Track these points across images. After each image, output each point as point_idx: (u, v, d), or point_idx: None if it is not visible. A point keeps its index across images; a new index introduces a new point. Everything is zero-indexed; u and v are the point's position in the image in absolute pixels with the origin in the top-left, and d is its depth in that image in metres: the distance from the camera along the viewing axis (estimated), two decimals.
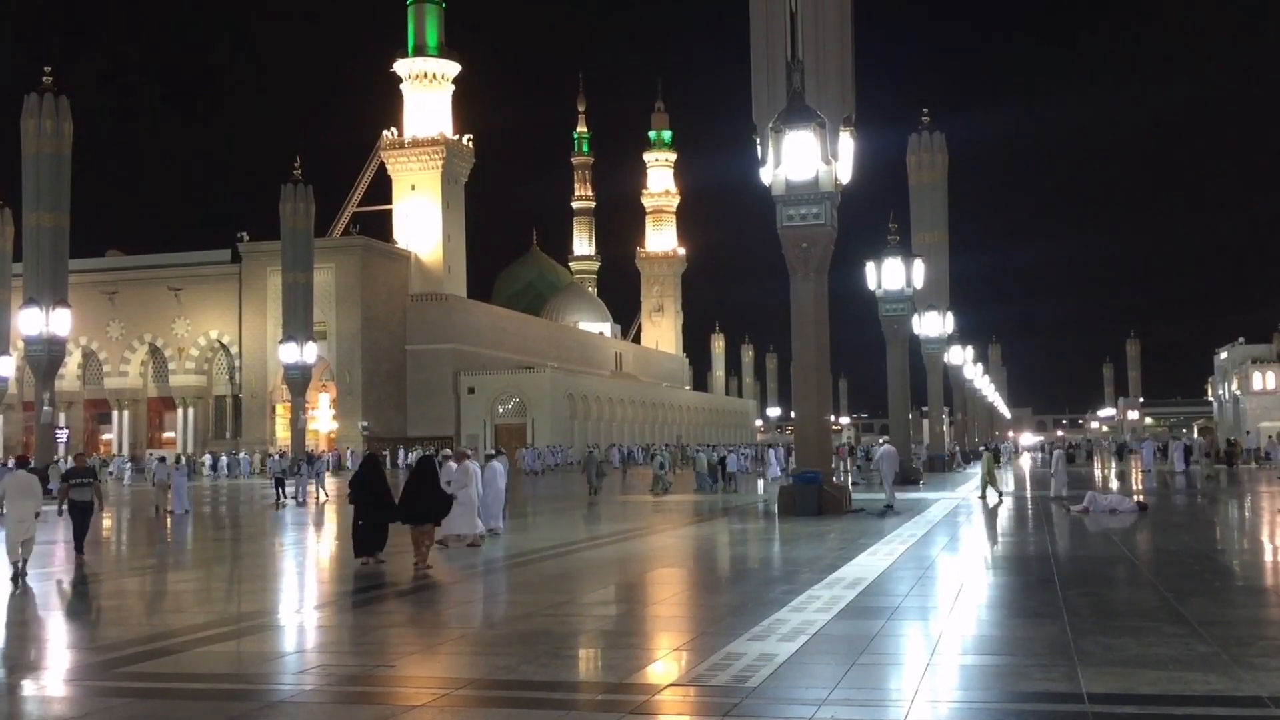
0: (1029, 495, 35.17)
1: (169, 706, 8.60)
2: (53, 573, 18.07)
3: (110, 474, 62.17)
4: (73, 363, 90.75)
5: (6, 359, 63.57)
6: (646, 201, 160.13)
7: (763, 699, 8.17)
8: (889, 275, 44.64)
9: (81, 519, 19.33)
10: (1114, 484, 40.51)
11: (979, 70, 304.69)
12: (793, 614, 11.75)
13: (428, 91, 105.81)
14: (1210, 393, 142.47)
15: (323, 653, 10.82)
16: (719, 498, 35.80)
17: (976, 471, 52.71)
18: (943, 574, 15.74)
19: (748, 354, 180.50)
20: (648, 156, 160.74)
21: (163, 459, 38.99)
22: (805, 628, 10.92)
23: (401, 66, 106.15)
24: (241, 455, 75.21)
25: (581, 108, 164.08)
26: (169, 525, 28.58)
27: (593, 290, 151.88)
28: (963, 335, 67.38)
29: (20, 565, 16.52)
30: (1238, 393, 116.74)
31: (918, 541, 19.78)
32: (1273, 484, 39.65)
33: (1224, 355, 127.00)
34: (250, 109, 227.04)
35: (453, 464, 20.31)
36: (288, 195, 71.30)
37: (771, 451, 54.60)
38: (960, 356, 66.68)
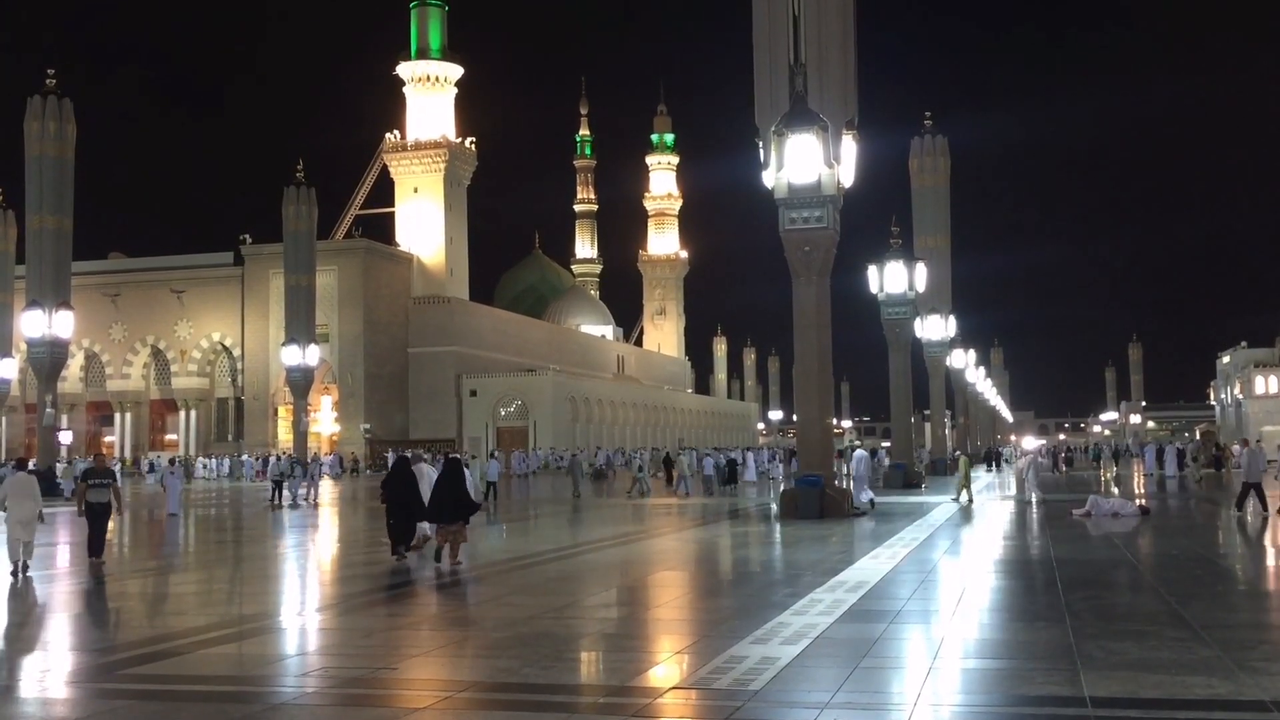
0: (1011, 498, 35.18)
1: (171, 709, 8.60)
2: (55, 574, 18.09)
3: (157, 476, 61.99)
4: (75, 365, 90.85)
5: (9, 361, 63.62)
6: (649, 204, 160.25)
7: (765, 702, 8.16)
8: (891, 278, 44.61)
9: (98, 522, 18.59)
10: (1114, 488, 40.46)
11: (982, 74, 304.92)
12: (795, 617, 11.74)
13: (430, 94, 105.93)
14: (1212, 396, 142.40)
15: (325, 655, 10.81)
16: (722, 500, 35.81)
17: (978, 475, 52.83)
18: (945, 577, 15.73)
19: (750, 357, 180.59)
20: (650, 159, 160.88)
21: (180, 460, 39.39)
22: (808, 631, 10.91)
23: (404, 69, 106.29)
24: (245, 458, 75.26)
25: (584, 110, 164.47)
26: (164, 527, 28.62)
27: (595, 293, 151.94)
28: (965, 338, 67.34)
29: (22, 564, 16.80)
30: (1240, 396, 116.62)
31: (920, 545, 19.76)
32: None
33: (1226, 359, 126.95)
34: (253, 112, 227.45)
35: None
36: (290, 198, 71.39)
37: (750, 454, 54.81)
38: (962, 360, 66.61)
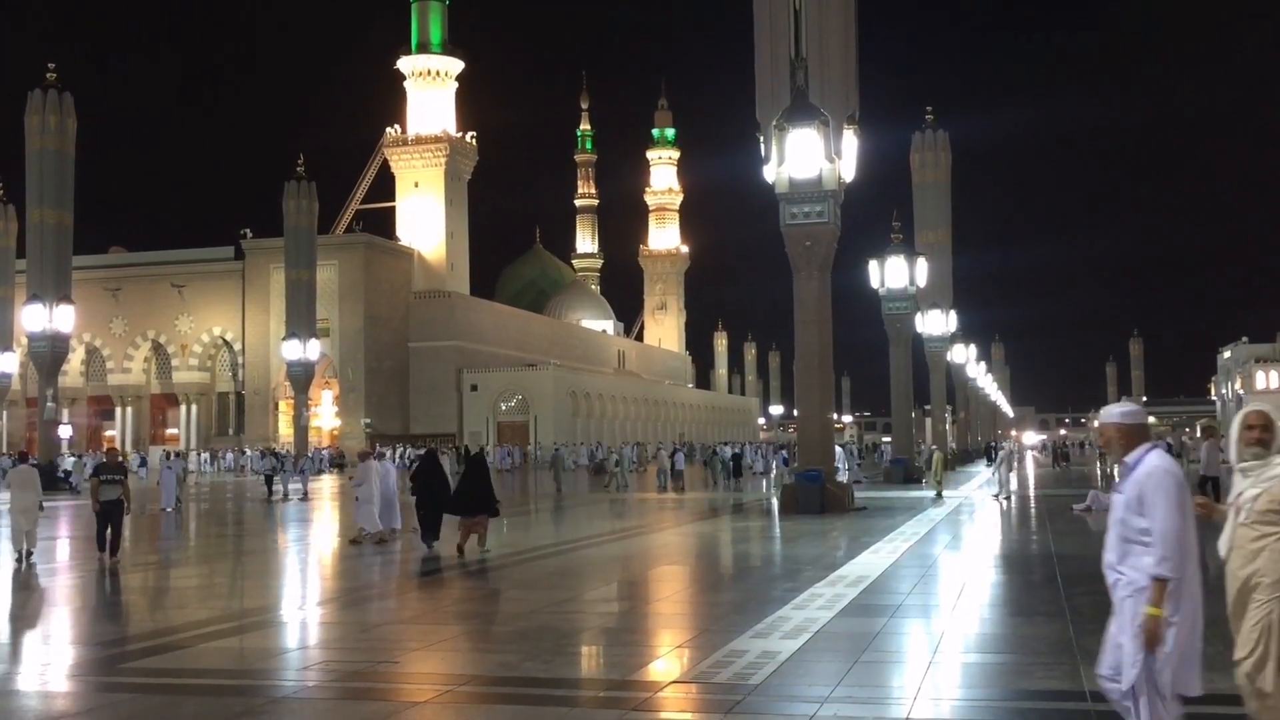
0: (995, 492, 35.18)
1: (173, 702, 8.62)
2: (56, 568, 18.13)
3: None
4: (76, 359, 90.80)
5: (10, 355, 63.63)
6: (649, 199, 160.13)
7: (765, 696, 8.17)
8: (892, 273, 44.63)
9: (111, 519, 17.77)
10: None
11: (984, 69, 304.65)
12: (795, 611, 11.76)
13: (431, 89, 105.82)
14: (1213, 391, 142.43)
15: (325, 649, 10.83)
16: (718, 494, 35.84)
17: (979, 471, 52.85)
18: (945, 572, 15.75)
19: (750, 352, 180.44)
20: (651, 154, 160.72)
21: (175, 454, 40.14)
22: (808, 625, 10.92)
23: (405, 63, 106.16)
24: (247, 452, 75.36)
25: (585, 105, 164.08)
26: (160, 521, 28.69)
27: (595, 288, 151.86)
28: (966, 334, 67.30)
29: (25, 550, 17.70)
30: (1241, 392, 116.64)
31: (920, 540, 19.78)
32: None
33: (1227, 354, 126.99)
34: (253, 106, 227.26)
35: (372, 463, 21.35)
36: (291, 192, 71.38)
37: (728, 449, 55.14)
38: (963, 355, 66.57)
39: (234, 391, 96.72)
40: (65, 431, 69.33)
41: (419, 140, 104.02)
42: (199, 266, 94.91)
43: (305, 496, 38.73)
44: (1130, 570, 5.46)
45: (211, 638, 11.36)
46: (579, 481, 48.65)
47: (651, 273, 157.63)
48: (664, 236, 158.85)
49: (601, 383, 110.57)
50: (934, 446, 47.92)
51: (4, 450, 73.67)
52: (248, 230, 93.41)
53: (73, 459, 54.71)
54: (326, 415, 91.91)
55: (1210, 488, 25.74)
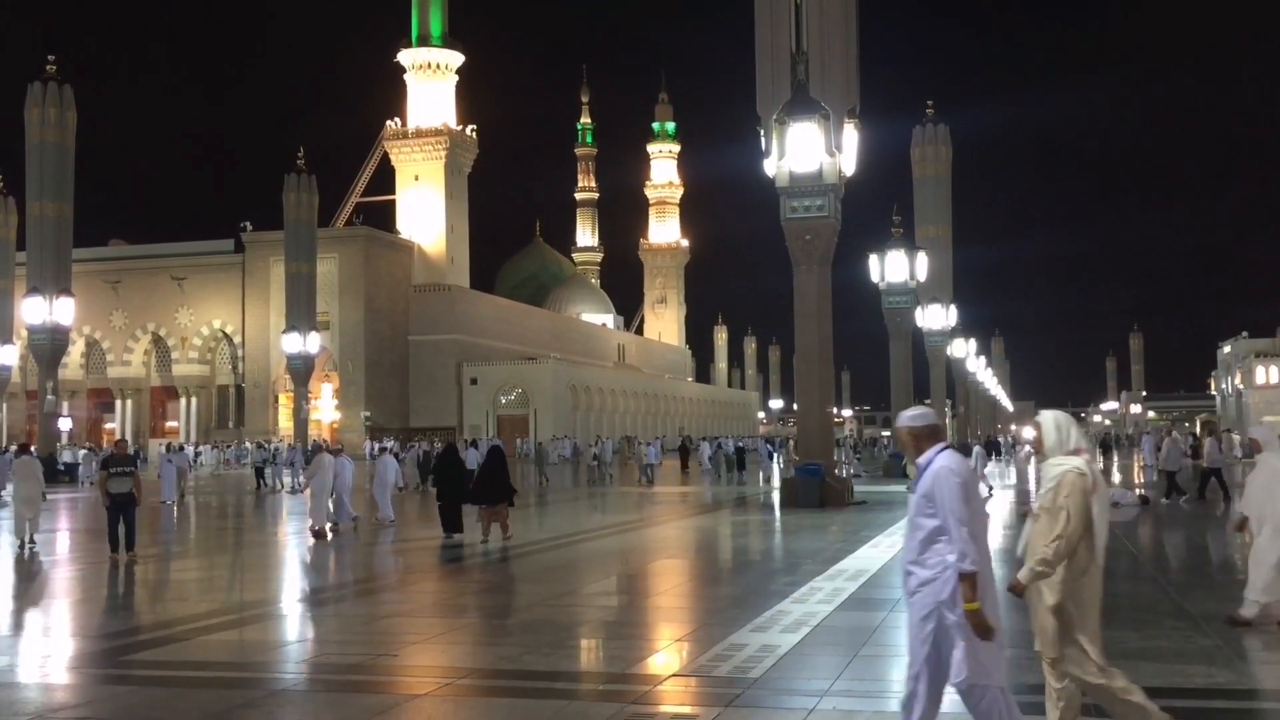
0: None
1: (173, 694, 8.62)
2: (57, 560, 18.14)
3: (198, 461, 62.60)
4: (76, 352, 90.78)
5: (10, 348, 63.61)
6: (650, 193, 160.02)
7: (765, 689, 8.18)
8: (892, 268, 44.58)
9: (124, 513, 17.12)
10: (1116, 477, 40.48)
11: (984, 63, 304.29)
12: (795, 605, 11.76)
13: (431, 81, 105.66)
14: (1213, 386, 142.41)
15: (325, 641, 10.84)
16: (719, 488, 35.86)
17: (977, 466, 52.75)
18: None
19: (750, 346, 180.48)
20: (651, 148, 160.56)
21: (181, 448, 40.71)
22: (807, 619, 10.93)
23: (405, 56, 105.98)
24: (247, 445, 75.32)
25: (585, 99, 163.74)
26: (160, 514, 28.72)
27: (595, 282, 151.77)
28: (966, 328, 67.27)
29: (29, 537, 18.52)
30: (1240, 387, 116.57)
31: None
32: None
33: (1227, 349, 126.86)
34: (254, 99, 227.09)
35: (325, 456, 21.73)
36: (291, 185, 71.32)
37: (704, 443, 55.59)
38: (963, 349, 66.52)
39: (234, 384, 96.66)
40: (65, 424, 69.40)
41: (419, 133, 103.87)
42: (199, 259, 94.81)
43: (295, 489, 38.20)
44: (919, 569, 5.67)
45: (211, 630, 11.37)
46: (564, 476, 48.56)
47: (651, 266, 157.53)
48: (664, 230, 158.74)
49: (601, 376, 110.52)
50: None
51: (4, 443, 73.67)
52: (248, 223, 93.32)
53: (82, 452, 54.60)
54: (326, 408, 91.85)
55: (1217, 479, 26.49)
